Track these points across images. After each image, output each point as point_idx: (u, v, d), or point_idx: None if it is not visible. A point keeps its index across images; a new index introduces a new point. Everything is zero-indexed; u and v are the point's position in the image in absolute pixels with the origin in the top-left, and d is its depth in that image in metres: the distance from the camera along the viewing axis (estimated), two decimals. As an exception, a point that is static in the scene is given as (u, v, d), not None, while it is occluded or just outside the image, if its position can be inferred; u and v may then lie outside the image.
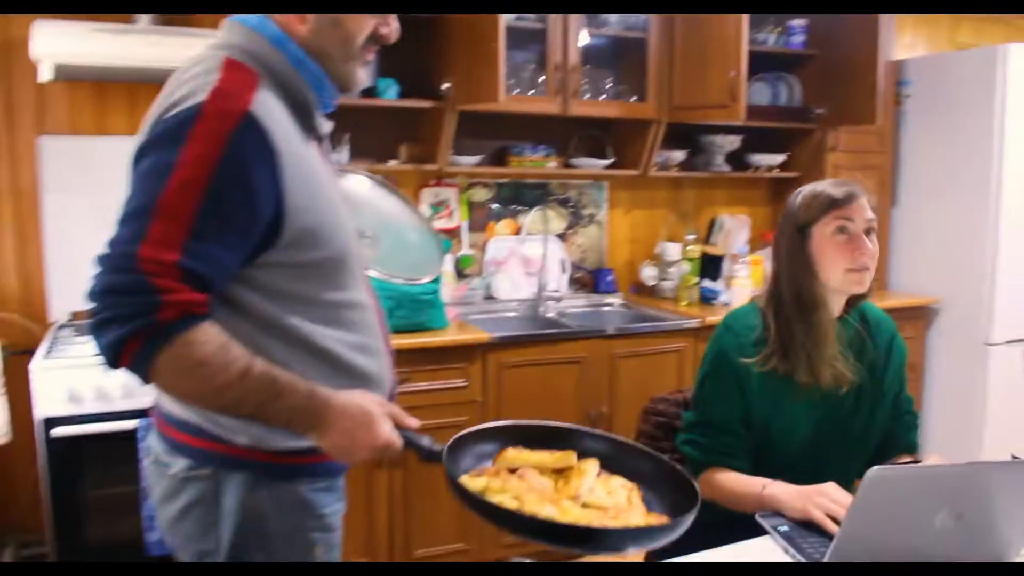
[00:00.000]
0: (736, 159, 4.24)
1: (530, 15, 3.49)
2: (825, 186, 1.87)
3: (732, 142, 4.12)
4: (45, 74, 2.71)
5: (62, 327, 3.09)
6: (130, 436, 2.65)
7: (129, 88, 3.24)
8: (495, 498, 1.27)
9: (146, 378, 1.24)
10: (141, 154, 1.29)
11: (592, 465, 1.42)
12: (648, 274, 4.05)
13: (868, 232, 1.83)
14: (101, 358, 1.23)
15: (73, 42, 2.70)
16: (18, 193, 3.15)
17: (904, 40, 5.05)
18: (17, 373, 3.05)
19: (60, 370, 2.66)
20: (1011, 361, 4.26)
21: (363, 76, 1.51)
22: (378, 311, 1.57)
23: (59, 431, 2.63)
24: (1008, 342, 4.22)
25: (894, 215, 4.59)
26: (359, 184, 2.58)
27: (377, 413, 1.36)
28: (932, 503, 1.46)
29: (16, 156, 3.13)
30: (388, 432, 1.36)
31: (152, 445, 1.52)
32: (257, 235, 1.30)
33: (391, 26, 1.49)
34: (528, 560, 1.39)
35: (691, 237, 4.08)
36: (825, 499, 1.65)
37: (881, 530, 1.48)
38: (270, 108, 1.32)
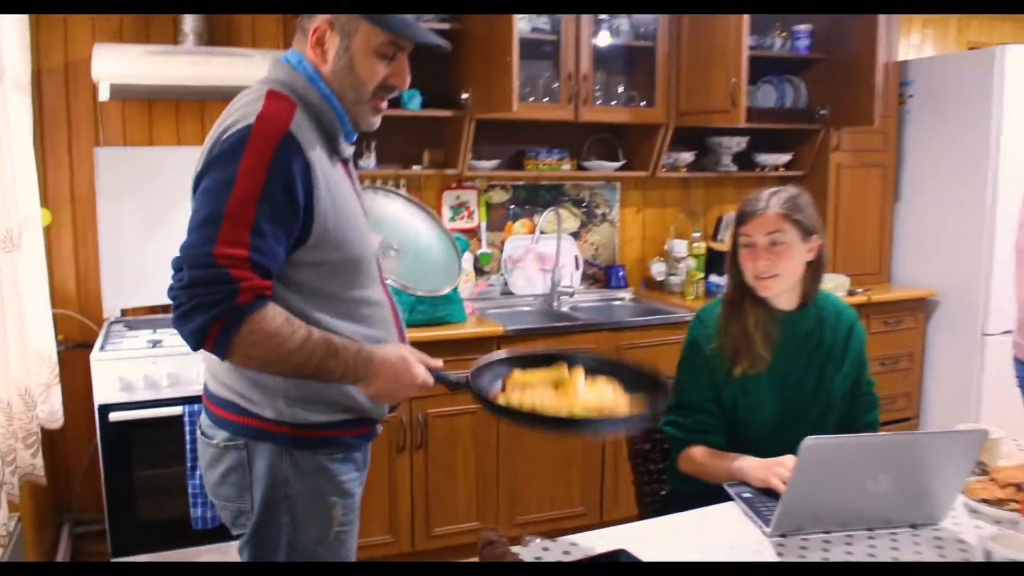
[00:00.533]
0: (743, 159, 4.44)
1: (544, 27, 3.74)
2: (749, 199, 2.13)
3: (739, 143, 4.32)
4: (104, 93, 3.00)
5: (114, 323, 3.38)
6: (176, 421, 2.91)
7: (176, 104, 3.53)
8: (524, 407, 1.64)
9: (226, 354, 1.50)
10: (204, 172, 1.54)
11: (579, 372, 1.75)
12: (657, 270, 4.29)
13: (773, 245, 2.06)
14: (186, 341, 1.50)
15: (128, 64, 2.99)
16: (76, 200, 3.44)
17: (912, 40, 5.22)
18: (74, 365, 3.35)
19: (114, 361, 2.93)
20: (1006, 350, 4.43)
21: (373, 120, 1.73)
22: (392, 308, 1.83)
23: (114, 416, 2.90)
24: (1004, 332, 4.38)
25: (897, 211, 4.76)
26: (393, 203, 2.86)
27: (411, 359, 1.64)
28: (864, 469, 1.69)
29: (75, 166, 3.42)
30: (423, 372, 1.65)
31: (201, 421, 1.77)
32: (296, 232, 1.56)
33: (401, 76, 1.70)
34: (539, 539, 1.64)
35: (697, 234, 4.30)
36: (782, 469, 1.89)
37: (820, 493, 1.71)
38: (304, 129, 1.58)
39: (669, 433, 2.19)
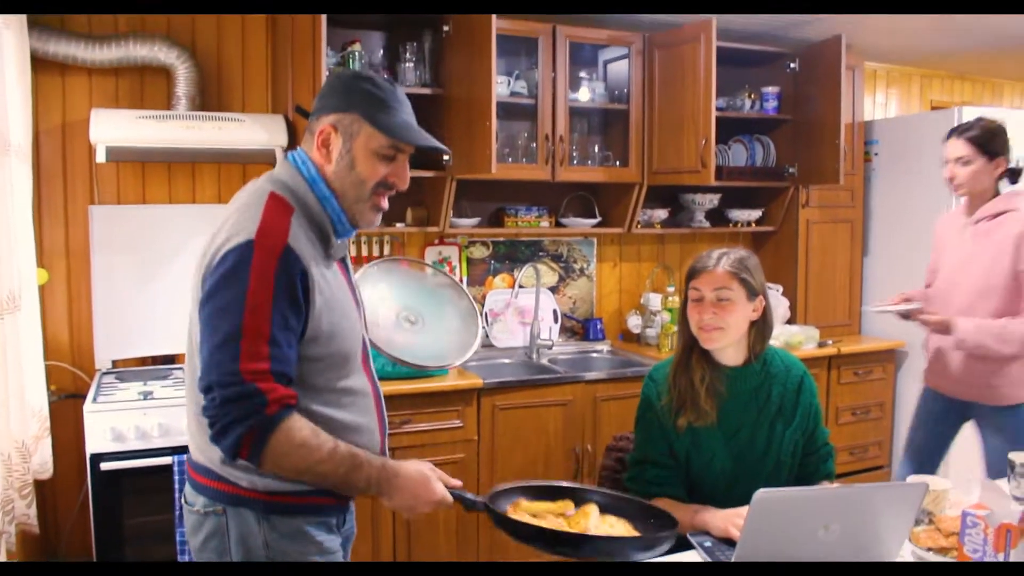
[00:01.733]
0: (716, 215, 4.61)
1: (522, 90, 3.91)
2: (701, 256, 2.28)
3: (711, 200, 4.49)
4: (100, 156, 3.14)
5: (105, 374, 3.47)
6: (166, 469, 3.00)
7: (168, 164, 3.67)
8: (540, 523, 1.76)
9: (259, 463, 1.61)
10: (213, 291, 1.62)
11: (593, 508, 1.87)
12: (634, 323, 4.43)
13: (719, 300, 2.20)
14: (224, 454, 1.62)
15: (124, 128, 3.14)
16: (71, 255, 3.56)
17: (878, 99, 5.43)
18: (65, 414, 3.44)
19: (106, 412, 3.01)
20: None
21: (372, 217, 1.82)
22: (375, 395, 1.91)
23: (105, 465, 2.98)
24: (969, 383, 4.53)
25: (866, 264, 4.93)
26: (420, 273, 2.97)
27: (432, 477, 1.76)
28: (814, 519, 1.81)
29: (70, 222, 3.55)
30: (442, 490, 1.76)
31: (186, 489, 1.84)
32: (300, 333, 1.67)
33: (401, 176, 1.80)
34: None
35: (671, 288, 4.45)
36: (740, 519, 2.01)
37: (772, 542, 1.82)
38: (299, 236, 1.68)
39: (630, 488, 2.30)
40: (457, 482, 1.83)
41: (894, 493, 1.87)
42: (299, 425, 1.62)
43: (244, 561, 1.72)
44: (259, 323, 1.58)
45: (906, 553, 2.01)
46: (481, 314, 4.15)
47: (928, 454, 3.38)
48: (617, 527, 1.84)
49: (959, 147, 3.07)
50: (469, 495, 1.80)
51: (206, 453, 1.74)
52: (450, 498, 1.76)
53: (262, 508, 1.72)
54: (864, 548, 1.89)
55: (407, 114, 1.79)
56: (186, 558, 3.01)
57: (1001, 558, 1.65)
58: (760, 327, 2.28)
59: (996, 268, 2.99)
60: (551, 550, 1.72)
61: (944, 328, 3.03)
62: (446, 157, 1.83)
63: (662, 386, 2.30)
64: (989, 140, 3.04)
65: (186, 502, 1.82)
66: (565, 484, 1.95)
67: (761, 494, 1.74)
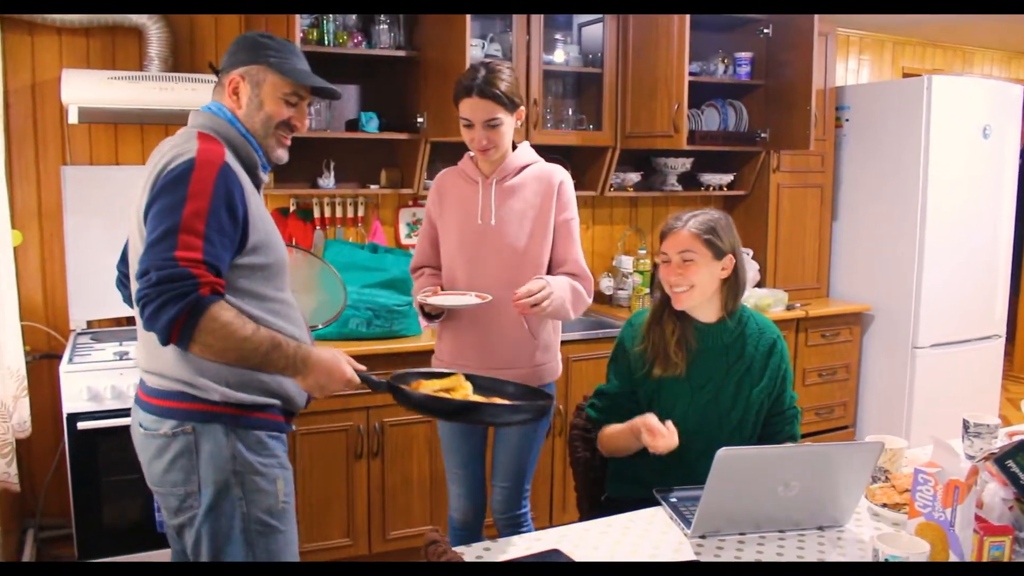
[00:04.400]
0: (688, 179, 4.66)
1: (496, 53, 3.92)
2: (669, 219, 2.36)
3: (683, 164, 4.53)
4: (72, 117, 3.13)
5: (80, 334, 3.50)
6: (142, 429, 3.05)
7: (141, 126, 3.67)
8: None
9: (189, 341, 1.74)
10: (154, 198, 1.80)
11: (468, 384, 2.11)
12: (606, 284, 4.49)
13: (684, 261, 2.28)
14: (158, 335, 1.73)
15: (96, 89, 3.13)
16: (44, 215, 3.56)
17: (850, 65, 5.48)
18: (40, 375, 3.46)
19: (82, 373, 3.05)
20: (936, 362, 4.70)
21: (280, 153, 2.07)
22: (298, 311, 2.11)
23: (82, 425, 3.02)
24: (932, 345, 4.65)
25: (835, 229, 5.02)
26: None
27: (342, 360, 1.96)
28: (774, 477, 1.89)
29: (43, 183, 3.55)
30: (350, 371, 1.95)
31: (139, 419, 1.99)
32: (236, 242, 1.85)
33: (300, 119, 2.06)
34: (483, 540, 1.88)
35: (643, 251, 4.51)
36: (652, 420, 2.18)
37: (735, 499, 1.90)
38: (232, 162, 1.90)
39: (589, 413, 2.48)
40: (362, 367, 2.00)
41: (851, 451, 1.94)
42: (226, 307, 1.77)
43: (216, 474, 1.89)
44: (195, 223, 1.75)
45: (862, 509, 2.10)
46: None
47: None
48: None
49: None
50: (374, 377, 1.99)
51: (175, 377, 1.89)
52: (357, 379, 1.96)
53: (230, 421, 1.90)
54: (822, 504, 1.97)
55: (305, 64, 2.06)
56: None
57: (948, 513, 1.73)
58: (732, 284, 2.35)
59: None
60: (444, 417, 2.14)
61: None
62: (335, 91, 2.12)
63: (638, 332, 2.40)
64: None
65: (145, 428, 1.95)
66: (456, 372, 2.14)
67: (723, 452, 1.81)
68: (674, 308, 2.34)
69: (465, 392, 2.07)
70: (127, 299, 2.21)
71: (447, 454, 2.83)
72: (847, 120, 4.90)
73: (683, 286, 2.29)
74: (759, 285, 4.69)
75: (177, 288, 1.70)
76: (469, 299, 2.55)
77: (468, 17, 3.44)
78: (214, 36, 3.73)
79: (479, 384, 2.14)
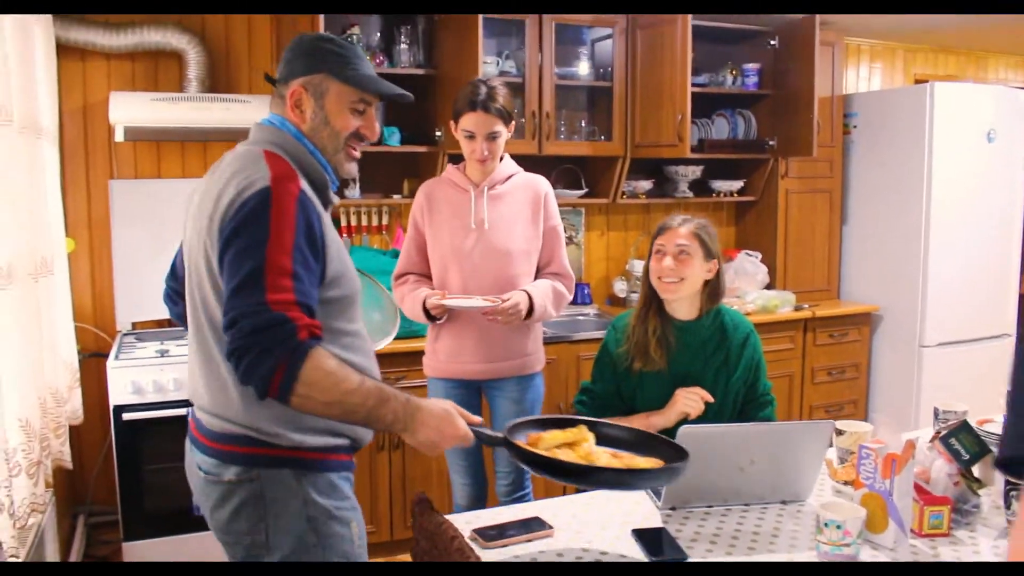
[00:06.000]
0: (699, 185, 4.86)
1: (510, 69, 4.17)
2: (667, 218, 2.60)
3: (694, 171, 4.73)
4: (119, 135, 3.45)
5: (126, 335, 3.79)
6: (181, 420, 3.29)
7: (181, 142, 3.98)
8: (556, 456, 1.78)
9: (290, 394, 1.56)
10: (233, 235, 1.63)
11: (591, 435, 1.89)
12: (619, 287, 4.70)
13: (680, 254, 2.51)
14: (256, 388, 1.57)
15: (140, 110, 3.44)
16: (93, 226, 3.87)
17: (861, 73, 5.64)
18: (89, 372, 3.76)
19: (127, 368, 3.33)
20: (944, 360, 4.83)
21: (349, 167, 1.91)
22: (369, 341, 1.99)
23: (127, 416, 3.30)
24: (939, 344, 4.80)
25: (844, 232, 5.17)
26: None
27: (455, 413, 1.77)
28: (737, 454, 2.09)
29: (92, 196, 3.86)
30: (464, 427, 1.76)
31: (197, 460, 1.81)
32: (319, 275, 1.70)
33: (370, 127, 1.90)
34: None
35: (655, 255, 4.72)
36: (692, 394, 2.45)
37: (702, 474, 2.09)
38: (306, 186, 1.74)
39: (577, 410, 2.67)
40: (477, 419, 1.82)
41: (804, 430, 2.14)
42: (327, 354, 1.61)
43: (286, 522, 1.73)
44: (281, 260, 1.60)
45: (826, 487, 2.30)
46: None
47: None
48: (612, 460, 1.84)
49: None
50: (488, 431, 1.81)
51: (239, 422, 1.73)
52: (471, 435, 1.78)
53: (299, 465, 1.74)
54: (785, 480, 2.17)
55: (369, 68, 1.89)
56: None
57: (888, 483, 1.92)
58: (713, 287, 2.58)
59: None
60: (564, 479, 1.78)
61: None
62: (405, 95, 1.96)
63: (621, 334, 2.62)
64: None
65: (206, 472, 1.78)
66: (576, 417, 1.98)
67: (684, 429, 2.01)
68: (659, 305, 2.56)
69: (587, 447, 1.85)
70: (176, 315, 2.09)
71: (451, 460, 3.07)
72: (855, 127, 5.06)
73: (674, 278, 2.51)
74: (768, 287, 4.86)
75: (274, 336, 1.55)
76: (479, 301, 2.78)
77: (480, 36, 3.69)
78: (247, 57, 4.02)
79: (599, 433, 1.93)
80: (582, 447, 1.84)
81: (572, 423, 1.91)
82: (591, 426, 1.92)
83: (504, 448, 1.79)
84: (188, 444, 1.90)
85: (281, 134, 1.83)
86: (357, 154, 1.93)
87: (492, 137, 2.82)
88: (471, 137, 2.83)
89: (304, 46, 1.86)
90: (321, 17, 3.51)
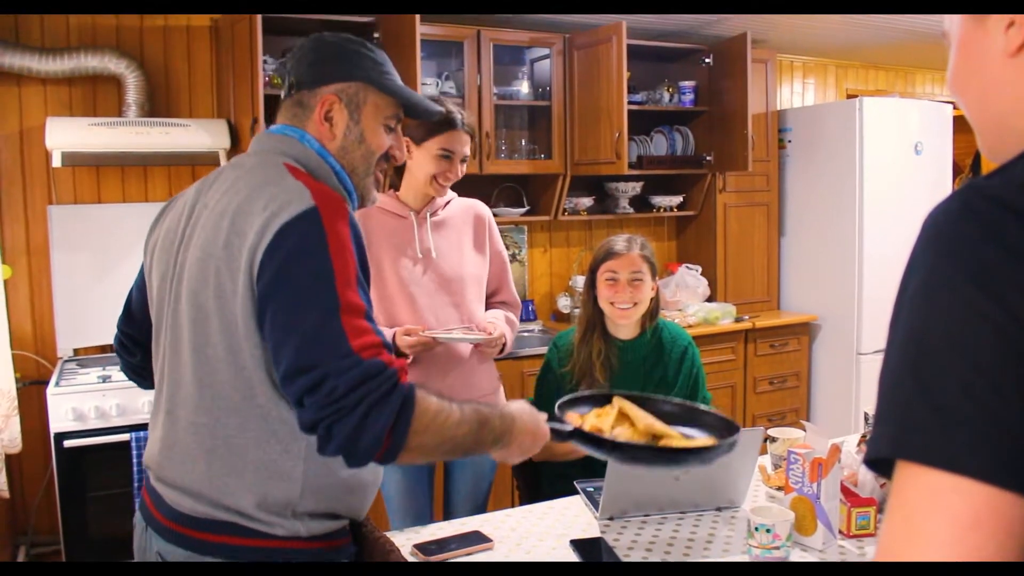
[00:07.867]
0: (640, 201, 4.95)
1: (450, 90, 4.22)
2: (612, 241, 2.63)
3: (634, 187, 4.82)
4: (56, 161, 3.42)
5: (67, 361, 3.75)
6: (124, 446, 3.27)
7: (121, 167, 3.95)
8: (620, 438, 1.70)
9: (403, 447, 1.33)
10: (284, 269, 1.35)
11: (631, 407, 1.79)
12: (563, 303, 4.76)
13: (632, 280, 2.56)
14: (361, 455, 1.32)
15: (77, 135, 3.42)
16: (32, 252, 3.83)
17: (795, 88, 5.79)
18: (30, 400, 3.72)
19: (68, 394, 3.29)
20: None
21: (375, 193, 1.66)
22: None
23: (68, 443, 3.26)
24: (875, 352, 4.93)
25: (783, 244, 5.30)
26: None
27: (537, 414, 1.61)
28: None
29: (31, 222, 3.81)
30: (545, 427, 1.61)
31: (158, 547, 1.50)
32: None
33: (400, 146, 1.65)
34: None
35: (598, 270, 4.79)
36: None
37: (636, 484, 2.16)
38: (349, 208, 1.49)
39: None
40: (543, 415, 1.66)
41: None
42: (426, 393, 1.39)
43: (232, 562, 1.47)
44: (352, 298, 1.35)
45: (760, 493, 2.36)
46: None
47: None
48: (696, 436, 1.80)
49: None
50: (557, 425, 1.66)
51: (225, 505, 1.46)
52: (549, 433, 1.63)
53: (292, 556, 1.48)
54: (719, 487, 2.23)
55: (400, 79, 1.65)
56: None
57: (815, 487, 1.99)
58: (655, 304, 2.64)
59: None
60: (653, 465, 1.75)
61: None
62: (440, 111, 1.78)
63: (563, 352, 2.66)
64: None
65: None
66: (610, 392, 1.89)
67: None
68: (603, 328, 2.61)
69: (645, 422, 1.74)
70: (131, 367, 1.81)
71: (391, 509, 2.73)
72: (790, 141, 5.20)
73: (629, 304, 2.57)
74: (709, 299, 4.96)
75: (377, 387, 1.30)
76: (474, 334, 2.56)
77: (418, 56, 3.75)
78: (187, 81, 4.02)
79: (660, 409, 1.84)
80: (639, 423, 1.74)
81: (607, 398, 1.83)
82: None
83: (576, 440, 1.65)
84: (139, 523, 1.60)
85: (304, 150, 1.54)
86: (382, 177, 1.67)
87: (464, 158, 2.58)
88: (447, 157, 2.52)
89: (331, 47, 1.60)
90: (259, 33, 3.49)
